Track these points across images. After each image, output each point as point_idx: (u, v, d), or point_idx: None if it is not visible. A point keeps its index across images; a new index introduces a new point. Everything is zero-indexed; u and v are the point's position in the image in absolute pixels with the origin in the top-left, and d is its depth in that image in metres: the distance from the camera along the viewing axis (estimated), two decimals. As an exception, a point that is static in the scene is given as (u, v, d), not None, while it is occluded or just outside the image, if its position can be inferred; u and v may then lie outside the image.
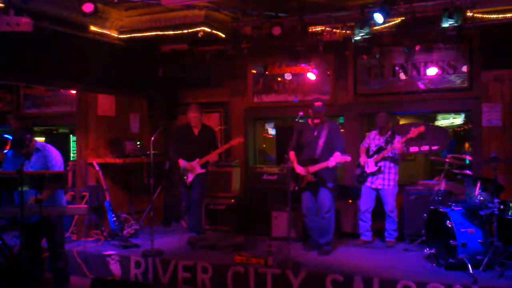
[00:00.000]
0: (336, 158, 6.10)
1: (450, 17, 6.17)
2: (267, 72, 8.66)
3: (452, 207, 5.92)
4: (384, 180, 6.85)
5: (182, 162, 7.09)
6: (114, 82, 7.90)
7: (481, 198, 5.64)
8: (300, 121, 6.34)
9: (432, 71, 7.60)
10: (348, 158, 6.14)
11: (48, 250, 5.55)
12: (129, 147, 8.07)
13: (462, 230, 5.62)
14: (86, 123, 7.82)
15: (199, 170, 7.05)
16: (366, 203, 6.95)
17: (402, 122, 8.68)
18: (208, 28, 7.20)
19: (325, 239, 6.51)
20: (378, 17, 6.29)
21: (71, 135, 9.52)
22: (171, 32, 7.32)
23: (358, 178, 7.05)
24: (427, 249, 6.07)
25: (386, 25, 6.82)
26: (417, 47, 7.27)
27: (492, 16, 6.59)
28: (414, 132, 6.56)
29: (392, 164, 6.86)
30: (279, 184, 7.75)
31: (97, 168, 7.58)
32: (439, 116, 8.91)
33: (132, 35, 7.60)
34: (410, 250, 6.62)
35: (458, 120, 9.00)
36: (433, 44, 7.45)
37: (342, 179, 7.85)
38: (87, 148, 7.77)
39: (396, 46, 7.54)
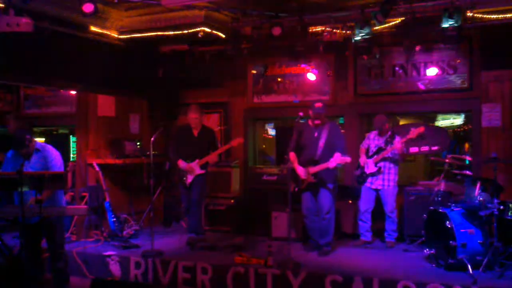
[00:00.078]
0: (337, 159, 6.10)
1: (450, 17, 6.16)
2: (267, 73, 8.65)
3: (452, 208, 5.92)
4: (383, 181, 6.85)
5: (181, 163, 7.08)
6: (114, 82, 7.90)
7: (481, 198, 5.64)
8: (300, 121, 6.34)
9: (432, 71, 7.60)
10: (348, 159, 6.14)
11: (48, 250, 5.55)
12: (129, 148, 8.07)
13: (461, 230, 5.62)
14: (86, 124, 7.82)
15: (199, 171, 7.05)
16: (365, 204, 6.95)
17: (402, 122, 8.67)
18: (208, 28, 7.20)
19: (325, 239, 6.51)
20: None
21: (71, 136, 9.53)
22: (171, 33, 7.32)
23: (357, 178, 7.05)
24: (427, 249, 6.06)
25: (386, 25, 6.82)
26: (417, 47, 7.26)
27: (492, 16, 6.58)
28: (413, 133, 6.56)
29: (391, 165, 6.86)
30: (279, 185, 7.75)
31: (97, 168, 7.57)
32: (439, 117, 8.91)
33: (132, 35, 7.59)
34: (409, 250, 6.62)
35: (458, 120, 9.00)
36: (433, 45, 7.45)
37: (342, 180, 7.85)
38: (87, 149, 7.77)
39: (396, 46, 7.53)
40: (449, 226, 5.64)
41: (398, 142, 6.71)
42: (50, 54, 6.78)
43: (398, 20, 6.82)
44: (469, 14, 6.60)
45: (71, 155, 9.18)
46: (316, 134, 6.48)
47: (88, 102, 7.86)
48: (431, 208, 6.16)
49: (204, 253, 6.70)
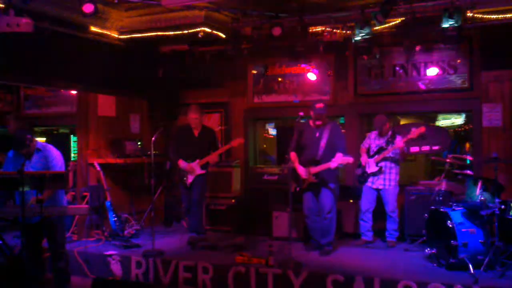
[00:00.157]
0: (338, 160, 6.10)
1: (450, 17, 6.17)
2: (267, 73, 8.66)
3: (453, 207, 5.92)
4: (385, 180, 6.85)
5: (182, 163, 7.08)
6: (114, 82, 7.90)
7: (482, 198, 5.64)
8: (301, 121, 6.34)
9: (432, 71, 7.60)
10: (350, 159, 6.14)
11: (49, 250, 5.55)
12: (130, 148, 8.07)
13: (463, 230, 5.62)
14: (87, 124, 7.82)
15: (199, 171, 7.04)
16: (367, 203, 6.96)
17: (402, 122, 8.68)
18: (208, 28, 7.20)
19: (327, 239, 6.51)
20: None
21: (71, 135, 9.52)
22: (171, 33, 7.32)
23: (359, 178, 7.06)
24: (428, 249, 6.07)
25: (386, 25, 6.82)
26: (417, 48, 7.26)
27: (492, 16, 6.59)
28: (414, 133, 6.56)
29: (393, 164, 6.86)
30: (280, 184, 7.75)
31: (98, 168, 7.58)
32: (440, 116, 8.91)
33: (132, 35, 7.59)
34: (411, 250, 6.62)
35: (458, 120, 9.00)
36: (433, 45, 7.45)
37: (343, 179, 7.85)
38: (88, 148, 7.77)
39: (396, 46, 7.53)
40: (450, 225, 5.65)
41: (399, 141, 6.71)
42: (50, 54, 6.78)
43: (398, 20, 6.83)
44: (469, 14, 6.61)
45: (72, 155, 9.18)
46: (317, 134, 6.48)
47: (88, 102, 7.86)
48: (432, 207, 6.16)
49: (205, 252, 6.70)
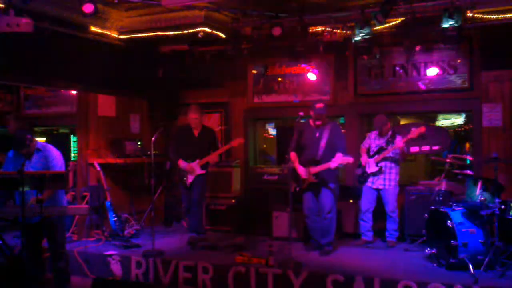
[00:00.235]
0: (338, 160, 6.10)
1: (450, 17, 6.17)
2: (267, 73, 8.66)
3: (453, 207, 5.92)
4: (385, 181, 6.85)
5: (182, 163, 7.07)
6: (114, 82, 7.90)
7: (482, 198, 5.65)
8: (301, 121, 6.34)
9: (432, 71, 7.60)
10: (350, 159, 6.14)
11: (49, 250, 5.55)
12: (130, 148, 8.07)
13: (463, 230, 5.62)
14: (87, 124, 7.82)
15: (199, 171, 7.04)
16: (367, 203, 6.96)
17: (402, 122, 8.68)
18: (208, 28, 7.20)
19: (327, 239, 6.51)
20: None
21: (71, 135, 9.52)
22: (171, 33, 7.31)
23: (359, 178, 7.06)
24: (428, 249, 6.06)
25: (386, 25, 6.82)
26: (417, 48, 7.26)
27: (492, 16, 6.59)
28: (414, 133, 6.56)
29: (393, 164, 6.86)
30: (280, 184, 7.75)
31: (98, 168, 7.58)
32: (440, 116, 8.91)
33: (132, 35, 7.59)
34: (411, 250, 6.62)
35: (458, 120, 9.00)
36: (433, 45, 7.45)
37: (343, 179, 7.85)
38: (88, 148, 7.77)
39: (396, 46, 7.53)
40: (450, 225, 5.65)
41: (399, 142, 6.71)
42: (50, 54, 6.78)
43: (398, 20, 6.83)
44: (469, 14, 6.61)
45: (72, 155, 9.18)
46: (317, 134, 6.48)
47: (88, 102, 7.86)
48: (432, 207, 6.16)
49: (205, 252, 6.70)
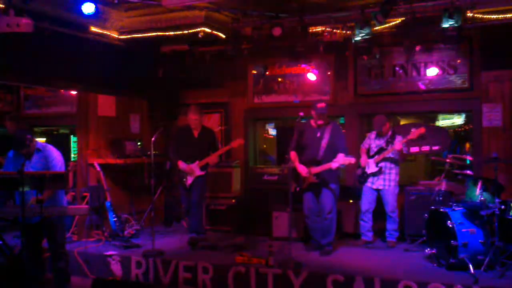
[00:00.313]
0: (340, 160, 6.09)
1: (450, 17, 6.17)
2: (267, 73, 8.66)
3: (453, 207, 5.92)
4: (384, 181, 6.85)
5: (181, 164, 7.04)
6: (114, 82, 7.89)
7: (482, 198, 5.65)
8: (302, 121, 6.34)
9: (432, 71, 7.61)
10: (352, 160, 6.13)
11: (49, 250, 5.55)
12: (130, 148, 8.07)
13: (463, 230, 5.62)
14: (87, 124, 7.82)
15: (199, 173, 7.00)
16: (367, 204, 6.96)
17: (402, 122, 8.68)
18: (208, 28, 7.20)
19: (327, 239, 6.51)
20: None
21: (71, 136, 9.52)
22: (171, 33, 7.31)
23: (359, 178, 7.06)
24: (428, 249, 6.06)
25: (386, 25, 6.82)
26: (417, 48, 7.27)
27: (492, 16, 6.59)
28: (414, 134, 6.57)
29: (392, 165, 6.86)
30: (280, 185, 7.75)
31: (98, 168, 7.58)
32: (440, 116, 8.91)
33: (132, 35, 7.59)
34: (411, 250, 6.62)
35: (458, 120, 9.00)
36: (433, 45, 7.45)
37: (343, 180, 7.85)
38: (88, 149, 7.76)
39: (396, 46, 7.54)
40: (450, 225, 5.65)
41: (398, 143, 6.71)
42: (50, 55, 6.78)
43: (398, 20, 6.83)
44: (469, 14, 6.60)
45: (72, 155, 9.18)
46: (318, 134, 6.48)
47: (88, 102, 7.86)
48: (432, 207, 6.16)
49: (205, 252, 6.70)
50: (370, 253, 6.63)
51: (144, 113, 8.93)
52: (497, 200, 5.55)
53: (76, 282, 6.10)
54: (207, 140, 7.20)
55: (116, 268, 6.50)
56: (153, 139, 6.76)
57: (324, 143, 6.42)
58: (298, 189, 6.49)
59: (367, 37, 6.63)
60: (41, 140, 8.64)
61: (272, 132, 9.84)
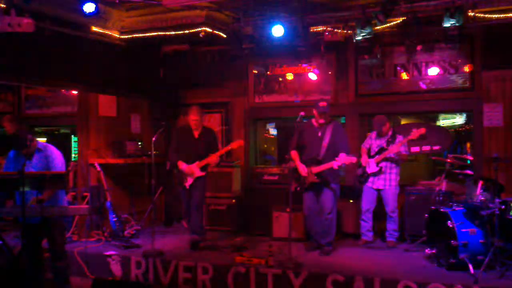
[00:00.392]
0: (341, 159, 6.09)
1: (452, 17, 6.16)
2: (268, 72, 8.65)
3: (453, 207, 5.91)
4: (385, 181, 6.84)
5: (181, 165, 6.99)
6: (115, 82, 7.90)
7: (482, 198, 5.64)
8: (303, 121, 6.34)
9: (433, 71, 7.59)
10: (354, 159, 6.13)
11: (49, 250, 5.54)
12: (130, 148, 8.07)
13: (463, 230, 5.61)
14: (87, 124, 7.82)
15: (199, 173, 6.93)
16: (367, 204, 6.95)
17: (403, 122, 8.67)
18: (209, 28, 7.19)
19: (327, 239, 6.50)
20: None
21: (72, 136, 9.53)
22: (172, 33, 7.32)
23: (359, 178, 7.05)
24: (428, 249, 6.06)
25: (387, 25, 6.81)
26: (419, 47, 7.26)
27: (493, 16, 6.58)
28: (414, 134, 6.57)
29: (393, 165, 6.85)
30: (280, 184, 7.74)
31: (98, 168, 7.58)
32: (441, 116, 8.90)
33: (133, 35, 7.59)
34: (411, 250, 6.61)
35: (459, 120, 8.99)
36: (434, 44, 7.44)
37: (344, 180, 7.84)
38: (88, 149, 7.77)
39: (398, 46, 7.53)
40: (451, 225, 5.64)
41: (399, 142, 6.70)
42: (51, 55, 6.79)
43: (399, 20, 6.82)
44: (471, 13, 6.59)
45: (73, 155, 9.19)
46: (319, 134, 6.48)
47: (89, 102, 7.86)
48: (432, 207, 6.15)
49: (205, 252, 6.69)
50: (370, 253, 6.62)
51: (144, 113, 8.93)
52: (497, 200, 5.53)
53: (76, 282, 6.10)
54: (208, 140, 7.15)
55: (116, 268, 6.50)
56: (153, 139, 6.75)
57: (325, 142, 6.42)
58: (298, 189, 6.48)
59: (368, 36, 6.64)
60: (42, 140, 8.64)
61: (273, 132, 9.83)
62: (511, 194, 6.22)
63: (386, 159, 6.81)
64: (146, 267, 6.31)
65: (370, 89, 7.99)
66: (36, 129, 10.15)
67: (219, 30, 7.34)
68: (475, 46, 7.33)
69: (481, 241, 5.58)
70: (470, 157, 7.13)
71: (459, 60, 7.46)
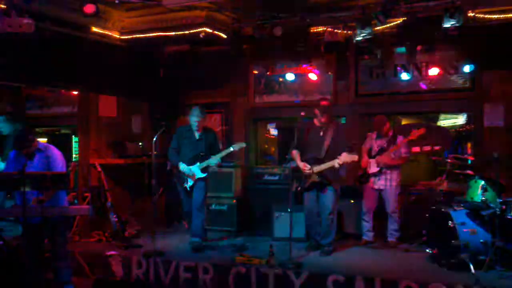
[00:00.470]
0: (343, 158, 6.08)
1: (452, 17, 6.16)
2: (268, 73, 8.66)
3: (454, 207, 5.91)
4: (386, 181, 6.84)
5: (182, 167, 6.97)
6: (115, 83, 7.90)
7: (483, 198, 5.63)
8: (304, 121, 6.34)
9: (433, 71, 7.59)
10: (355, 157, 6.12)
11: (50, 250, 5.55)
12: (131, 148, 8.08)
13: (464, 230, 5.61)
14: (88, 124, 7.83)
15: (199, 175, 6.94)
16: (368, 204, 6.95)
17: (404, 122, 8.67)
18: (209, 28, 7.20)
19: (327, 239, 6.50)
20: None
21: (73, 136, 9.53)
22: (173, 33, 7.32)
23: (360, 178, 7.05)
24: (429, 249, 6.06)
25: (388, 25, 6.81)
26: (419, 47, 7.25)
27: (493, 16, 6.58)
28: (414, 135, 6.57)
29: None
30: (281, 184, 7.74)
31: (99, 168, 7.59)
32: (441, 116, 8.90)
33: (133, 36, 7.60)
34: (411, 250, 6.61)
35: (460, 120, 8.99)
36: (434, 44, 7.43)
37: (344, 180, 7.83)
38: (89, 149, 7.77)
39: (398, 46, 7.52)
40: (452, 225, 5.64)
41: (400, 142, 6.71)
42: (51, 55, 6.80)
43: (400, 20, 6.81)
44: (471, 14, 6.59)
45: (73, 155, 9.19)
46: (321, 133, 6.48)
47: (89, 103, 7.87)
48: (433, 207, 6.15)
49: (205, 253, 6.69)
50: (371, 253, 6.63)
51: (145, 113, 8.94)
52: (498, 200, 5.54)
53: (77, 282, 6.09)
54: (208, 141, 7.11)
55: (117, 268, 6.49)
56: (154, 139, 6.75)
57: (326, 142, 6.42)
58: (299, 189, 6.48)
59: (368, 37, 6.63)
60: (42, 140, 8.64)
61: (274, 132, 9.83)
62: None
63: (388, 167, 6.78)
64: (146, 267, 6.31)
65: (370, 89, 7.99)
66: (37, 129, 10.16)
67: (219, 30, 7.34)
68: (475, 46, 7.33)
69: (482, 241, 5.58)
70: (470, 157, 7.13)
71: (459, 60, 7.46)
